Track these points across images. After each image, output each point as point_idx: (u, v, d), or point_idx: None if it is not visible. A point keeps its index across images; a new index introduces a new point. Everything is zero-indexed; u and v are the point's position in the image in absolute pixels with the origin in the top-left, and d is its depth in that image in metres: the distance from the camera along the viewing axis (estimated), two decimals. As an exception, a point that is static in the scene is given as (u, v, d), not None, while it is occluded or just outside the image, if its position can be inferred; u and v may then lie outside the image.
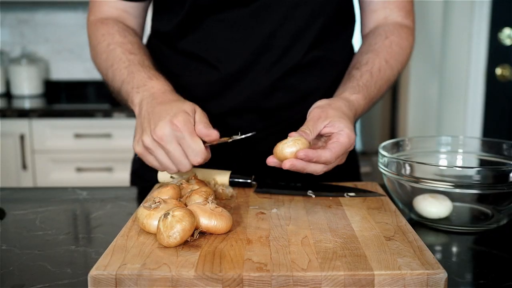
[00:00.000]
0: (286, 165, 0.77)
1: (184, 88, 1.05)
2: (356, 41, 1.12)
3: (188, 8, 0.98)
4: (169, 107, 0.82)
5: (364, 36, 1.08)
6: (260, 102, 1.01)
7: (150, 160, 0.82)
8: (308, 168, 0.79)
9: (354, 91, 0.91)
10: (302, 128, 0.81)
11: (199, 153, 0.78)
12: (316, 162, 0.78)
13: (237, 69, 1.00)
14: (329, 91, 1.01)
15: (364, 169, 2.32)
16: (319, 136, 0.84)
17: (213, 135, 0.79)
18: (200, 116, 0.82)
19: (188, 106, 0.82)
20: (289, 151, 0.77)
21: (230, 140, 0.82)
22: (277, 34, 0.98)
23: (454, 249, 0.77)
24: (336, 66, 1.06)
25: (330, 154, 0.79)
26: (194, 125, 0.80)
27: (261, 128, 1.02)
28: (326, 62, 1.04)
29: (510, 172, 0.79)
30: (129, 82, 0.90)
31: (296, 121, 0.94)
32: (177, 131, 0.78)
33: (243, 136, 0.83)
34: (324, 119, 0.82)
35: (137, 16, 1.08)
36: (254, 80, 1.00)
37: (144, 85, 0.88)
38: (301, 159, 0.77)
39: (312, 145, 0.84)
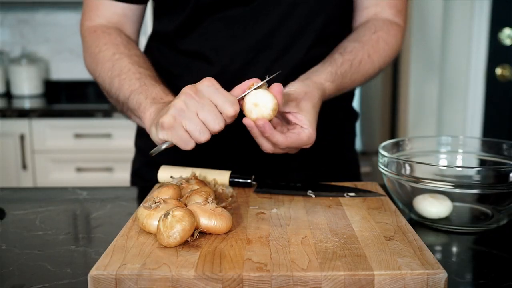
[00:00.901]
0: (245, 122, 0.78)
1: None
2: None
3: (190, 8, 0.98)
4: None
5: (354, 29, 1.09)
6: None
7: (177, 130, 0.77)
8: (259, 139, 0.80)
9: (330, 78, 0.92)
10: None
11: (234, 103, 0.76)
12: (267, 138, 0.79)
13: (237, 67, 1.00)
14: None
15: (364, 169, 2.31)
16: (282, 118, 0.84)
17: (245, 83, 0.79)
18: None
19: None
20: (255, 111, 0.77)
21: (259, 84, 0.79)
22: (277, 32, 0.99)
23: (454, 249, 0.77)
24: None
25: (283, 141, 0.80)
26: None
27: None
28: None
29: (510, 172, 0.79)
30: (141, 92, 0.89)
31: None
32: (211, 85, 0.76)
33: (270, 77, 0.80)
34: (295, 105, 0.83)
35: (135, 21, 1.08)
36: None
37: (161, 99, 0.87)
38: (257, 126, 0.77)
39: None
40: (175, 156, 0.97)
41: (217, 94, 0.76)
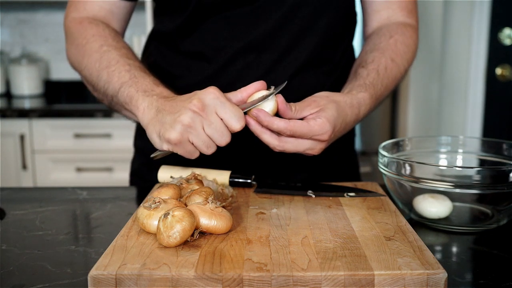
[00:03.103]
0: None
1: (185, 89, 1.04)
2: (356, 43, 1.11)
3: (192, 8, 0.98)
4: (192, 94, 0.80)
5: (367, 37, 1.08)
6: None
7: (184, 145, 0.78)
8: (262, 135, 0.79)
9: (361, 90, 0.91)
10: (291, 103, 0.80)
11: (241, 118, 0.76)
12: (266, 127, 0.78)
13: (239, 68, 1.00)
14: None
15: (364, 169, 2.32)
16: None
17: (251, 87, 0.80)
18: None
19: None
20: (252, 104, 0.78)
21: (269, 95, 0.79)
22: (279, 33, 0.98)
23: (454, 249, 0.77)
24: (337, 68, 1.06)
25: (285, 125, 0.77)
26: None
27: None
28: (329, 63, 1.04)
29: (510, 172, 0.79)
30: (131, 85, 0.88)
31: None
32: (216, 98, 0.76)
33: (276, 91, 0.79)
34: (313, 107, 0.82)
35: (121, 19, 1.07)
36: (256, 79, 1.00)
37: (152, 90, 0.86)
38: (253, 116, 0.77)
39: None
40: (175, 156, 0.97)
41: (224, 108, 0.76)
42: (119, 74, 0.91)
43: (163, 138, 0.79)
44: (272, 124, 0.77)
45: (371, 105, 0.92)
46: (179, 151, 0.79)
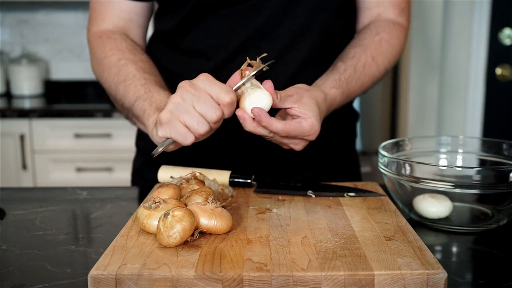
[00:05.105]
0: (238, 113, 0.79)
1: None
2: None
3: (192, 6, 0.98)
4: None
5: (357, 33, 1.08)
6: None
7: (175, 125, 0.78)
8: (257, 129, 0.80)
9: (335, 85, 0.92)
10: (276, 91, 0.82)
11: (229, 91, 0.77)
12: (265, 127, 0.79)
13: (239, 65, 1.00)
14: None
15: (364, 169, 2.31)
16: (286, 114, 0.85)
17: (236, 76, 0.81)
18: None
19: None
20: (249, 103, 0.79)
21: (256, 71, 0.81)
22: (277, 30, 0.98)
23: (454, 249, 0.77)
24: None
25: (282, 127, 0.80)
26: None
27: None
28: (329, 62, 1.04)
29: (510, 172, 0.79)
30: (146, 99, 0.89)
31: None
32: (205, 79, 0.77)
33: (264, 66, 0.81)
34: (295, 100, 0.83)
35: (141, 26, 1.07)
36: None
37: (165, 105, 0.87)
38: (253, 115, 0.78)
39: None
40: (175, 156, 0.97)
41: (211, 85, 0.77)
42: (134, 88, 0.92)
43: (157, 124, 0.80)
44: (270, 125, 0.79)
45: (341, 101, 0.94)
46: (172, 133, 0.78)
